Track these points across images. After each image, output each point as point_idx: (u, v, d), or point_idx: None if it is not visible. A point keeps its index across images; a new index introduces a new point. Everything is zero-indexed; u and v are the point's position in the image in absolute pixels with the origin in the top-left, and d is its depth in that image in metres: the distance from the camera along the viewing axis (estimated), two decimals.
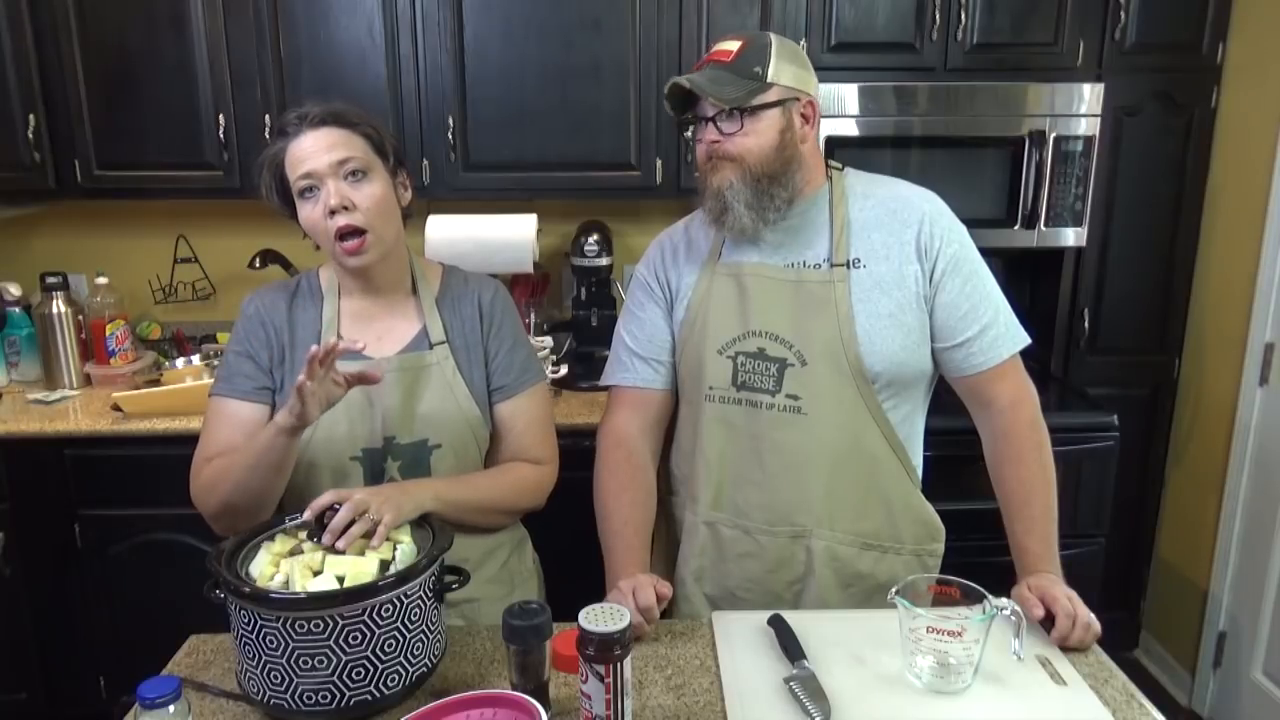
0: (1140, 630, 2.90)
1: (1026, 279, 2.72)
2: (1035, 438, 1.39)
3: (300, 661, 1.05)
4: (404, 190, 1.39)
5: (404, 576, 1.08)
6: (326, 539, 1.14)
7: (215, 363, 2.39)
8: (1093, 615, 1.22)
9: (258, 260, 2.60)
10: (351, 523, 1.14)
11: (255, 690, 1.09)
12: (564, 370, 2.43)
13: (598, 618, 1.00)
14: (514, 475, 1.43)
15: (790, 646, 1.19)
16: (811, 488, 1.40)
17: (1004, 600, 1.16)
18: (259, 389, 1.36)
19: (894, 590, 1.14)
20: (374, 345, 1.38)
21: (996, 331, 1.39)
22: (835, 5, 2.37)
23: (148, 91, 2.37)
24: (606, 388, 1.56)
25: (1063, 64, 2.43)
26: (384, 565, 1.12)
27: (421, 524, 1.23)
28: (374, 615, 1.06)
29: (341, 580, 1.08)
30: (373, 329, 1.39)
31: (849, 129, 2.38)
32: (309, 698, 1.06)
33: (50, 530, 2.27)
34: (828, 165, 1.46)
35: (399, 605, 1.08)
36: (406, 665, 1.10)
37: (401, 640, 1.09)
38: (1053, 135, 2.39)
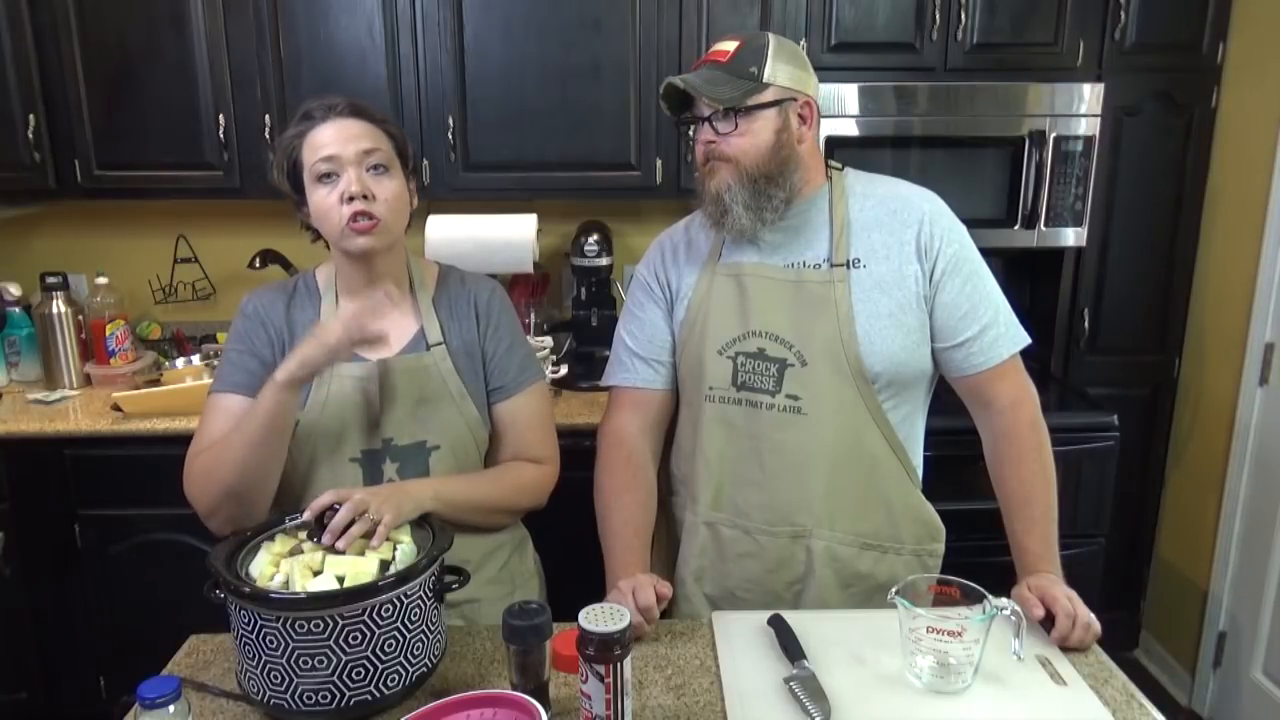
0: (1140, 630, 2.90)
1: (1026, 279, 2.72)
2: (1035, 438, 1.39)
3: (300, 661, 1.05)
4: (413, 196, 1.39)
5: (404, 576, 1.08)
6: (326, 539, 1.14)
7: (215, 363, 2.39)
8: (1093, 615, 1.22)
9: (258, 260, 2.61)
10: (351, 523, 1.14)
11: (255, 690, 1.09)
12: (564, 370, 2.43)
13: (598, 618, 1.00)
14: (514, 475, 1.43)
15: (790, 646, 1.19)
16: (811, 488, 1.40)
17: (1004, 600, 1.16)
18: (262, 385, 1.34)
19: (894, 590, 1.14)
20: (371, 347, 1.37)
21: (997, 331, 1.39)
22: (835, 5, 2.37)
23: (148, 91, 2.37)
24: (607, 388, 1.57)
25: (1063, 64, 2.43)
26: (384, 565, 1.12)
27: (421, 524, 1.23)
28: (374, 615, 1.06)
29: (341, 580, 1.08)
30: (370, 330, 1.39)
31: (849, 129, 2.38)
32: (309, 698, 1.06)
33: (50, 530, 2.27)
34: (827, 165, 1.45)
35: (399, 605, 1.08)
36: (406, 665, 1.10)
37: (401, 640, 1.09)
38: (1053, 135, 2.39)
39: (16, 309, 2.57)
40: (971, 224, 1.45)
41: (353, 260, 1.34)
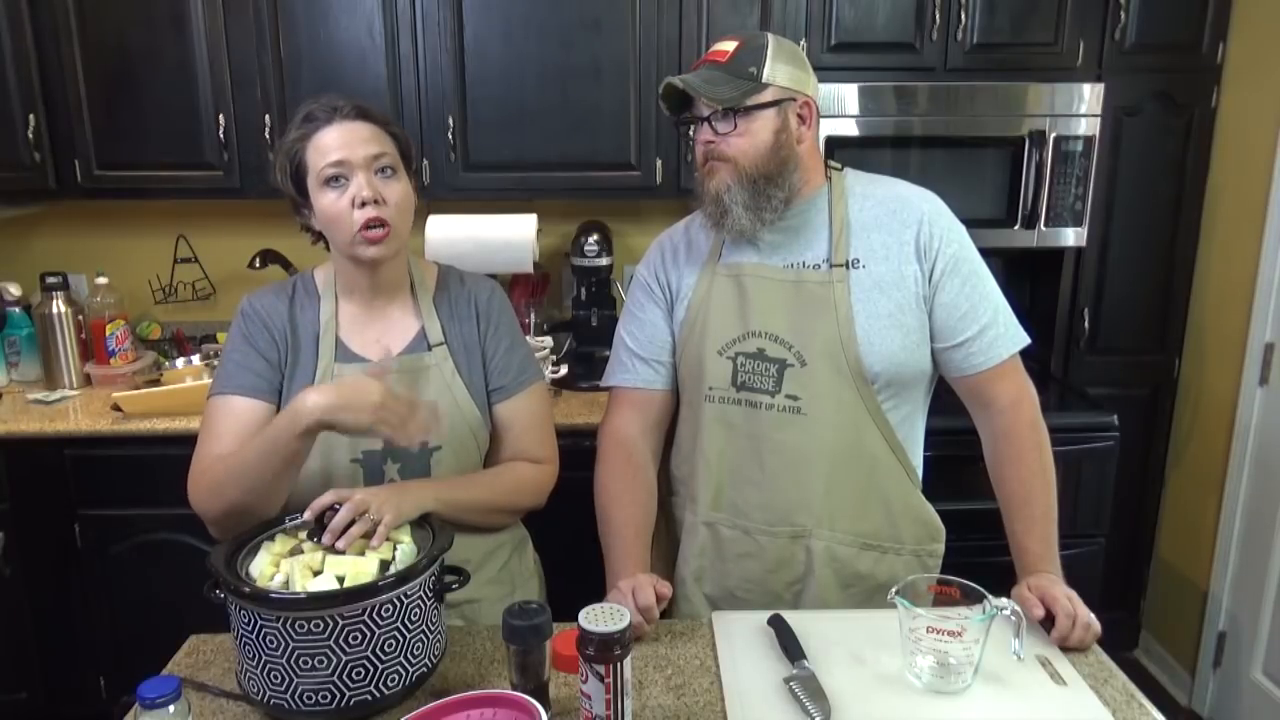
0: (1140, 630, 2.90)
1: (1026, 279, 2.72)
2: (1035, 438, 1.39)
3: (300, 661, 1.05)
4: (416, 196, 1.39)
5: (404, 576, 1.08)
6: (326, 539, 1.14)
7: (215, 363, 2.39)
8: (1093, 615, 1.22)
9: (258, 260, 2.61)
10: (351, 523, 1.14)
11: (255, 690, 1.09)
12: (564, 370, 2.43)
13: (598, 618, 1.00)
14: (514, 475, 1.43)
15: (790, 646, 1.19)
16: (811, 488, 1.40)
17: (1004, 600, 1.16)
18: (269, 387, 1.34)
19: (894, 590, 1.14)
20: (372, 347, 1.38)
21: (996, 331, 1.39)
22: (835, 5, 2.37)
23: (148, 91, 2.37)
24: (607, 388, 1.57)
25: (1063, 64, 2.43)
26: (384, 565, 1.12)
27: (421, 524, 1.23)
28: (374, 615, 1.06)
29: (341, 580, 1.08)
30: (371, 331, 1.39)
31: (849, 129, 2.38)
32: (309, 698, 1.06)
33: (50, 530, 2.27)
34: (827, 165, 1.45)
35: (399, 605, 1.08)
36: (406, 665, 1.10)
37: (401, 640, 1.09)
38: (1053, 135, 2.39)
39: (16, 309, 2.57)
40: (971, 224, 1.45)
41: (358, 264, 1.34)
